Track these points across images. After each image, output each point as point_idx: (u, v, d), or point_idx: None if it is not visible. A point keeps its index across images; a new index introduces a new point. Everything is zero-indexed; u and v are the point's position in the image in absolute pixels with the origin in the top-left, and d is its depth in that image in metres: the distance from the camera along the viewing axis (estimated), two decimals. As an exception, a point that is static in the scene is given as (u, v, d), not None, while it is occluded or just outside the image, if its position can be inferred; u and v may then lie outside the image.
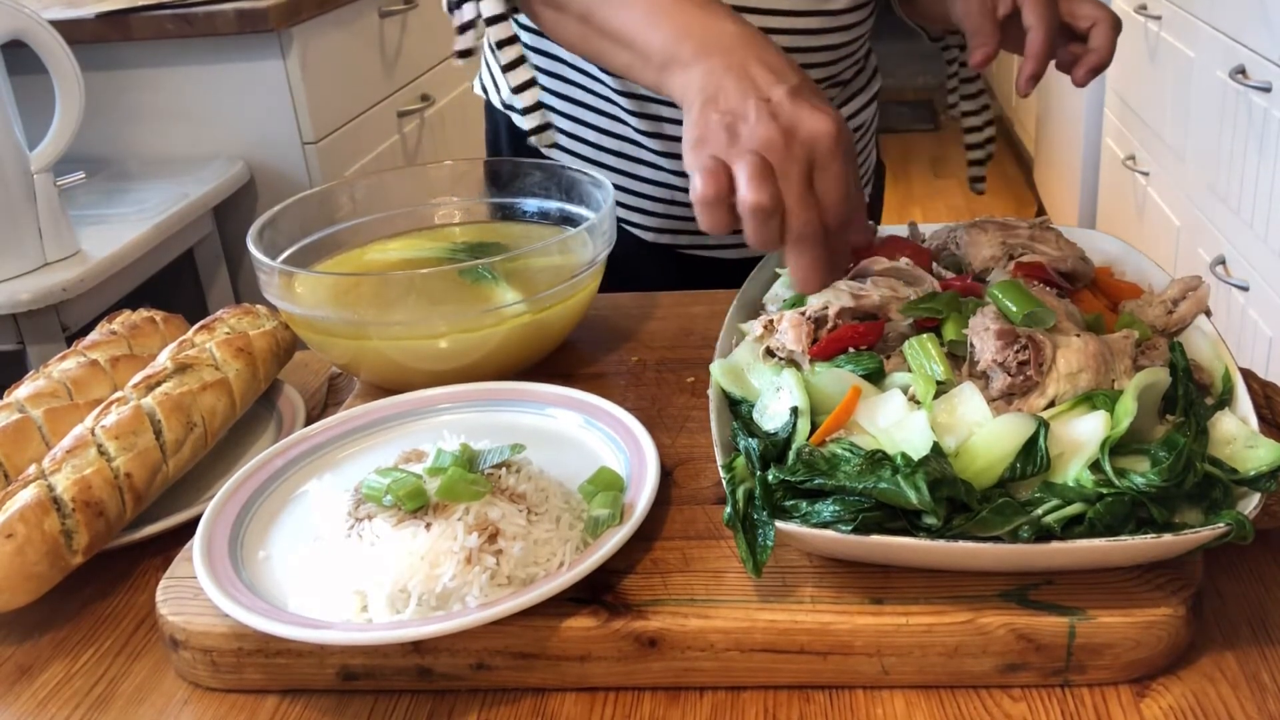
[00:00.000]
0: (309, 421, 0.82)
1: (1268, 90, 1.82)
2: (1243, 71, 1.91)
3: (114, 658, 0.64)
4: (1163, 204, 2.36)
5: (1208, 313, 0.73)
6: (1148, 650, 0.57)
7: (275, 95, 2.09)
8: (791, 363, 0.69)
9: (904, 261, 0.76)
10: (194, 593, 0.61)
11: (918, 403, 0.63)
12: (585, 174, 0.91)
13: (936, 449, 0.58)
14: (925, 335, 0.66)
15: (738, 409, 0.68)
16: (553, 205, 0.95)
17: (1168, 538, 0.55)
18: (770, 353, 0.70)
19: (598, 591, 0.60)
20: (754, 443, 0.63)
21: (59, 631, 0.66)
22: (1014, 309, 0.66)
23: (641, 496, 0.63)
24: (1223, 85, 1.99)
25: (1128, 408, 0.60)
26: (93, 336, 0.88)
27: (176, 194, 1.96)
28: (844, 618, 0.57)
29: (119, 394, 0.75)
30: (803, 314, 0.70)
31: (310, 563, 0.63)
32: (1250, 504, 0.57)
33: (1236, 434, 0.62)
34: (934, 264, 0.79)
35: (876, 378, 0.66)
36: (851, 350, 0.68)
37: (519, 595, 0.57)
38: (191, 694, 0.61)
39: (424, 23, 2.62)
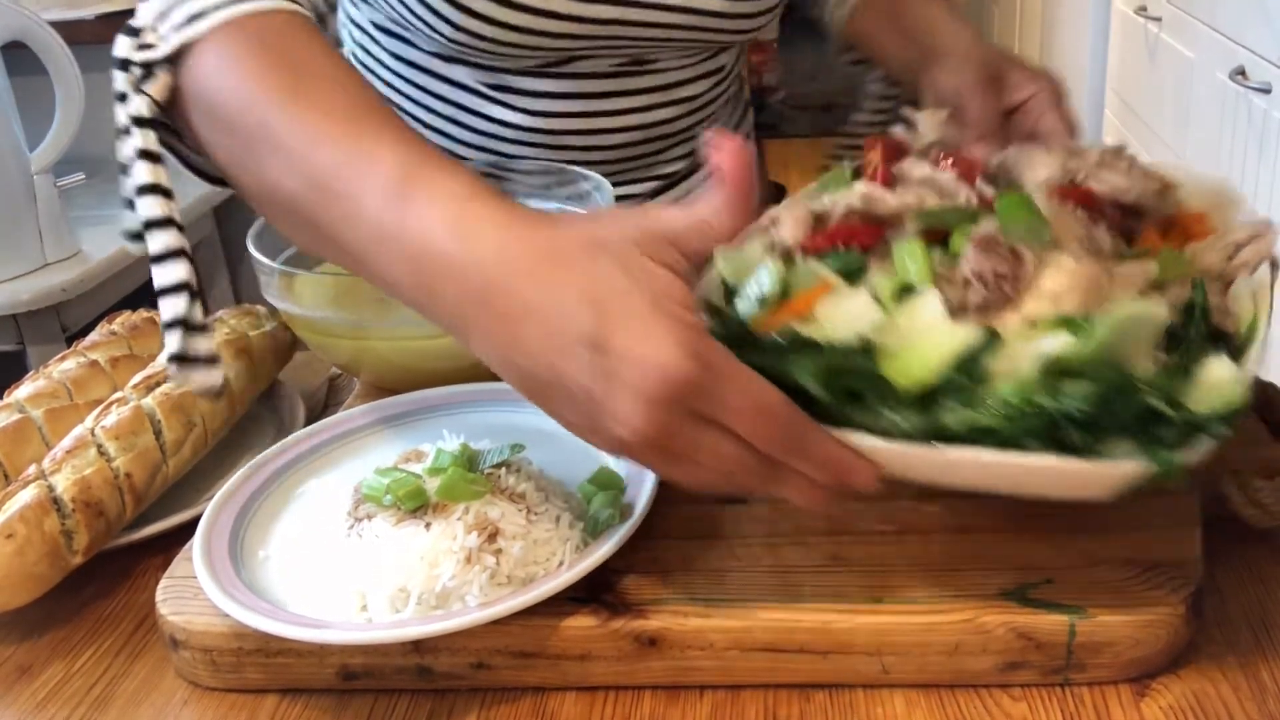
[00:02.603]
0: (309, 421, 0.82)
1: (1268, 91, 1.82)
2: (1242, 72, 1.91)
3: (114, 657, 0.64)
4: (1162, 205, 2.35)
5: (1275, 264, 0.66)
6: (1148, 649, 0.57)
7: (275, 96, 2.09)
8: (788, 256, 0.65)
9: (947, 173, 0.71)
10: (194, 592, 0.61)
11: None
12: (584, 174, 0.92)
13: (864, 342, 0.55)
14: (915, 239, 0.62)
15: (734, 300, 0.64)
16: (552, 205, 0.95)
17: (1055, 462, 0.50)
18: (774, 246, 0.66)
19: (597, 591, 0.60)
20: (717, 324, 0.58)
21: (59, 631, 0.66)
22: (1010, 221, 0.62)
23: (641, 496, 0.63)
24: (1222, 86, 1.99)
25: (1095, 334, 0.55)
26: (93, 337, 0.88)
27: (176, 194, 1.96)
28: (844, 617, 0.57)
29: (119, 394, 0.75)
30: (808, 209, 0.67)
31: (310, 562, 0.63)
32: (1198, 448, 0.51)
33: (1224, 378, 0.54)
34: (981, 181, 0.71)
35: (856, 276, 0.61)
36: (843, 249, 0.64)
37: (519, 595, 0.57)
38: (191, 694, 0.61)
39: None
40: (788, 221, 0.66)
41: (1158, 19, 2.42)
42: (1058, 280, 0.59)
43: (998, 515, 0.64)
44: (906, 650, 0.57)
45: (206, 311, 0.67)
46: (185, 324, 0.63)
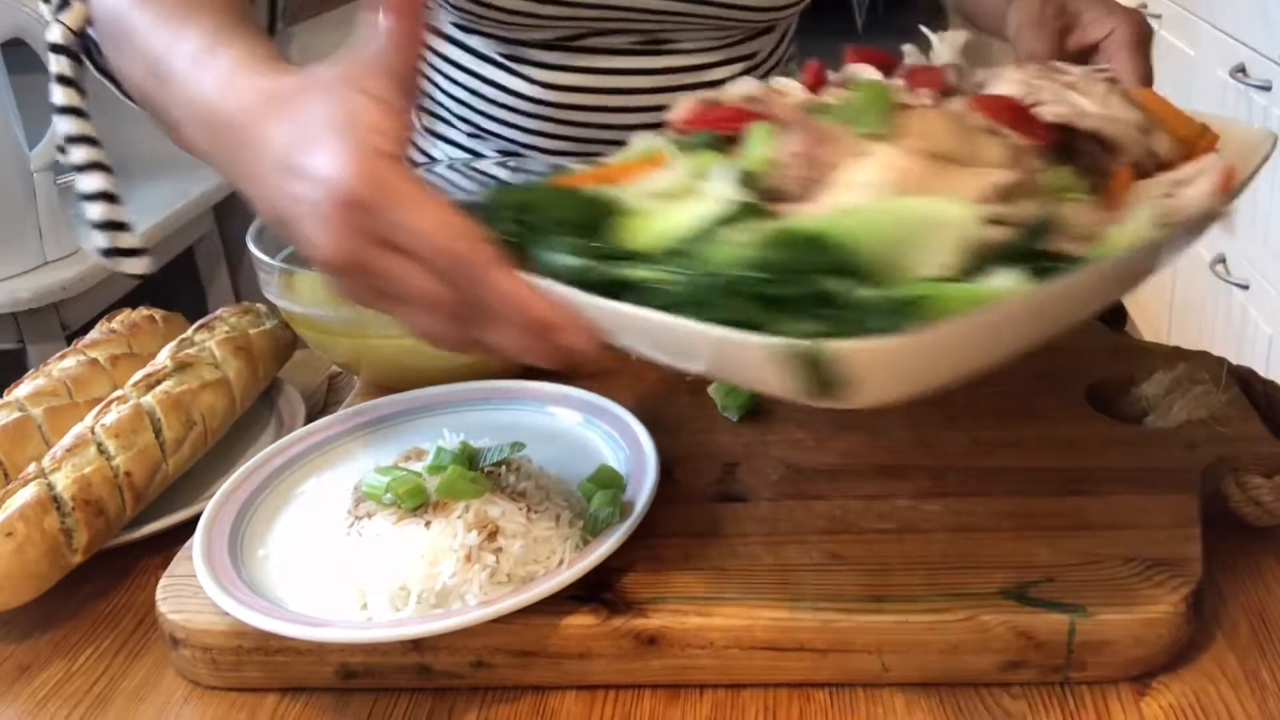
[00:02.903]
0: (309, 420, 0.82)
1: (1268, 89, 1.82)
2: (1243, 70, 1.91)
3: (114, 656, 0.64)
4: (1163, 203, 2.35)
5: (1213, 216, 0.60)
6: (1148, 648, 0.57)
7: (275, 94, 2.09)
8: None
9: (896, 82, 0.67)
10: (194, 591, 0.61)
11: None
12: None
13: (601, 202, 0.55)
14: (765, 125, 0.60)
15: None
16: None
17: (707, 329, 0.47)
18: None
19: (597, 589, 0.60)
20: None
21: (59, 630, 0.66)
22: (849, 110, 0.58)
23: (641, 494, 0.63)
24: (1223, 84, 1.99)
25: (849, 219, 0.51)
26: (92, 335, 0.88)
27: (177, 193, 1.97)
28: (844, 615, 0.57)
29: (119, 393, 0.75)
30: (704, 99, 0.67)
31: (310, 561, 0.63)
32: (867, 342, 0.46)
33: (977, 291, 0.49)
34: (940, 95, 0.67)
35: (696, 153, 0.60)
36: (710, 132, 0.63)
37: (519, 593, 0.57)
38: (191, 692, 0.61)
39: (424, 22, 2.62)
40: (680, 109, 0.66)
41: (1158, 16, 2.42)
42: (865, 171, 0.55)
43: (998, 515, 0.64)
44: (906, 649, 0.57)
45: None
46: (111, 225, 0.72)
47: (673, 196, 0.57)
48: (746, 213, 0.52)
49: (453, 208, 0.52)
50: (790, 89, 0.67)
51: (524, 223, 0.54)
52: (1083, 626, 0.56)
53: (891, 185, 0.54)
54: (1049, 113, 0.62)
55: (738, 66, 0.97)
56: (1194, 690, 0.56)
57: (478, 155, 1.03)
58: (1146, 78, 0.73)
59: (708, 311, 0.48)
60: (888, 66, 0.71)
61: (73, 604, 0.68)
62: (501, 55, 0.96)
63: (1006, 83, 0.66)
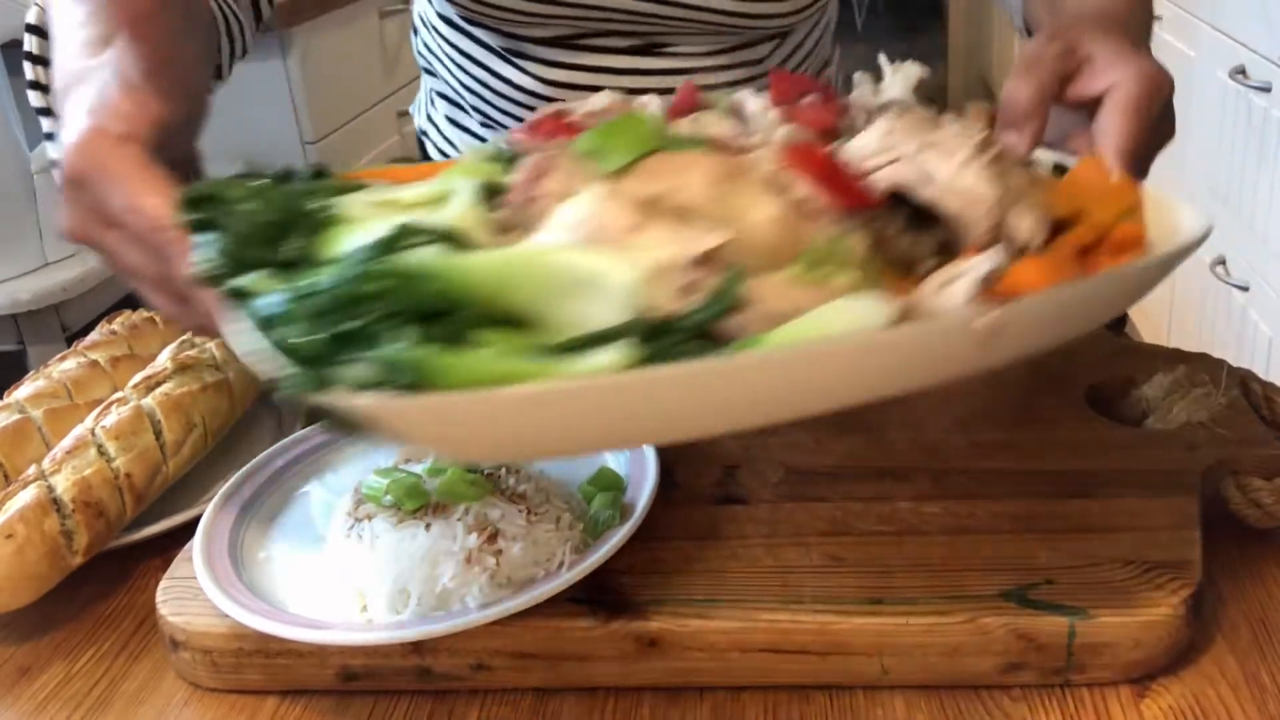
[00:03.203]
0: (309, 422, 0.82)
1: (1268, 90, 1.82)
2: (1243, 71, 1.91)
3: (114, 658, 0.64)
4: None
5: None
6: (1148, 650, 0.57)
7: (275, 95, 2.09)
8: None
9: (753, 108, 0.63)
10: (194, 593, 0.61)
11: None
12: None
13: (300, 207, 0.54)
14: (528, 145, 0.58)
15: None
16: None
17: (247, 335, 0.46)
18: None
19: (598, 592, 0.60)
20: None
21: (59, 632, 0.66)
22: (596, 142, 0.55)
23: (641, 496, 0.63)
24: (1223, 85, 1.99)
25: (464, 266, 0.47)
26: (93, 337, 0.88)
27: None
28: (844, 618, 0.57)
29: (119, 394, 0.75)
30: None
31: (310, 563, 0.63)
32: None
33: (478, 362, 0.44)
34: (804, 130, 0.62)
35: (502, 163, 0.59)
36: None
37: (519, 595, 0.57)
38: (191, 694, 0.61)
39: (424, 23, 2.62)
40: (537, 114, 0.66)
41: (1158, 17, 2.42)
42: (569, 213, 0.52)
43: (998, 517, 0.64)
44: (906, 651, 0.57)
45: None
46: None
47: (403, 208, 0.55)
48: (408, 236, 0.49)
49: (161, 191, 0.56)
50: (650, 108, 0.65)
51: (207, 215, 0.54)
52: (1083, 629, 0.56)
53: (587, 231, 0.50)
54: (882, 177, 0.57)
55: (740, 72, 0.96)
56: (1194, 692, 0.56)
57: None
58: (1127, 150, 0.61)
59: (284, 329, 0.46)
60: (801, 94, 0.66)
61: (73, 606, 0.68)
62: (504, 49, 0.96)
63: (869, 134, 0.59)
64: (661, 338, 0.46)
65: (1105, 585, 0.58)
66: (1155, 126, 0.64)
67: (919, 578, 0.60)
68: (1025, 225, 0.55)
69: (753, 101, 0.65)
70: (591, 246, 0.49)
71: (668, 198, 0.52)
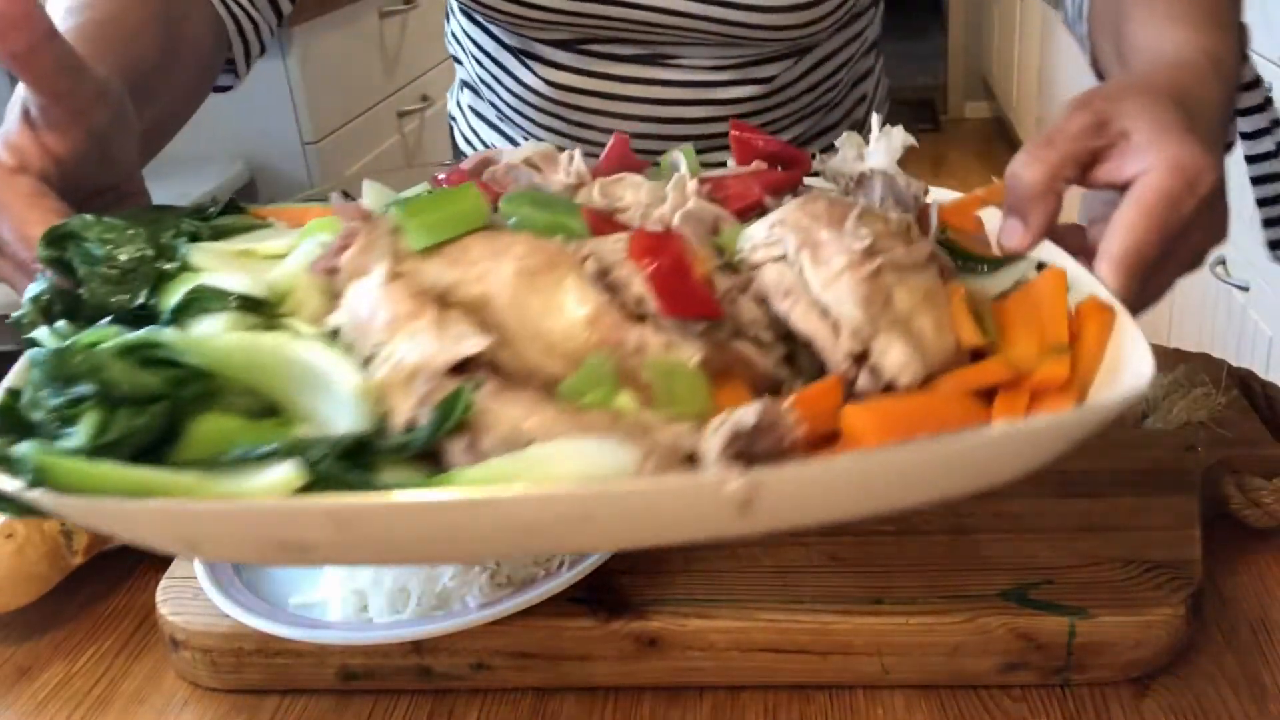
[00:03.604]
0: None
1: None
2: (1243, 71, 1.91)
3: (114, 658, 0.64)
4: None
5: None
6: (1148, 650, 0.57)
7: (275, 95, 2.09)
8: None
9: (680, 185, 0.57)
10: (194, 593, 0.61)
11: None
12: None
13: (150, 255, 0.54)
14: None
15: None
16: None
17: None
18: None
19: (597, 592, 0.60)
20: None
21: (59, 632, 0.66)
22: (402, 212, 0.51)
23: (641, 496, 0.63)
24: (1223, 85, 1.99)
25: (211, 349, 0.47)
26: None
27: (176, 194, 1.97)
28: (844, 617, 0.57)
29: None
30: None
31: (310, 563, 0.63)
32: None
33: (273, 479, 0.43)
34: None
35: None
36: None
37: (519, 595, 0.57)
38: (191, 694, 0.61)
39: (424, 23, 2.62)
40: (466, 160, 0.65)
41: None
42: (352, 295, 0.50)
43: (998, 517, 0.64)
44: (906, 651, 0.57)
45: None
46: None
47: (259, 258, 0.55)
48: (204, 300, 0.50)
49: (48, 223, 0.56)
50: (575, 162, 0.62)
51: (61, 254, 0.55)
52: (1083, 628, 0.56)
53: (358, 317, 0.48)
54: (722, 285, 0.50)
55: (750, 89, 0.94)
56: (1194, 692, 0.56)
57: (508, 139, 1.04)
58: (1128, 257, 0.52)
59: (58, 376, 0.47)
60: (764, 155, 0.63)
61: (73, 606, 0.68)
62: (515, 47, 0.96)
63: (763, 222, 0.53)
64: (355, 455, 0.43)
65: (1105, 585, 0.58)
66: (1182, 231, 0.53)
67: (919, 577, 0.60)
68: (892, 358, 0.47)
69: (684, 164, 0.61)
70: (359, 334, 0.47)
71: (463, 288, 0.48)
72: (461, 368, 0.46)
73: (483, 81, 1.03)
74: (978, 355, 0.50)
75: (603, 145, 0.96)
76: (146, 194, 0.69)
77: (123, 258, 0.54)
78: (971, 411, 0.47)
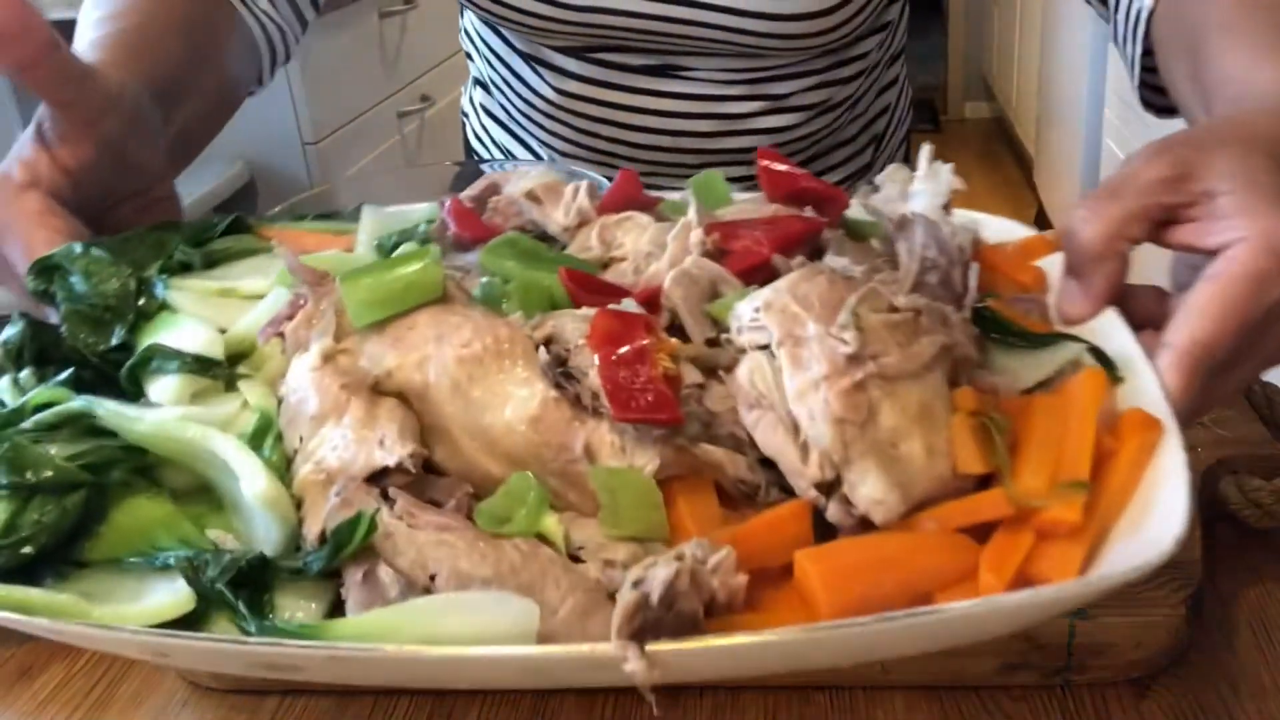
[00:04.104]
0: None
1: (1268, 90, 1.82)
2: (1243, 71, 1.91)
3: (114, 658, 0.64)
4: (1163, 204, 2.35)
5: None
6: (1148, 650, 0.57)
7: (275, 95, 2.09)
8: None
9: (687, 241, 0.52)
10: (194, 593, 0.61)
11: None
12: (583, 172, 0.91)
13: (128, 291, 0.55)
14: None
15: None
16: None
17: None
18: None
19: (598, 592, 0.60)
20: None
21: (59, 632, 0.66)
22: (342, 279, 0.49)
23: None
24: (1223, 85, 1.99)
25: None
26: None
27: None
28: (844, 618, 0.57)
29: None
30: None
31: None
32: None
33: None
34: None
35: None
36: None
37: (519, 595, 0.57)
38: (191, 694, 0.61)
39: (424, 23, 2.62)
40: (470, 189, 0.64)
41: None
42: (291, 373, 0.49)
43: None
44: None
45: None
46: None
47: (240, 298, 0.55)
48: (155, 358, 0.51)
49: (53, 243, 0.56)
50: (563, 203, 0.59)
51: (46, 286, 0.55)
52: (1083, 628, 0.56)
53: (288, 402, 0.47)
54: (690, 377, 0.45)
55: (760, 104, 0.92)
56: (1194, 692, 0.56)
57: (521, 141, 1.03)
58: (1199, 353, 0.44)
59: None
60: (793, 192, 0.57)
61: (73, 606, 0.68)
62: (525, 52, 0.95)
63: (754, 297, 0.46)
64: (251, 577, 0.43)
65: (1105, 585, 0.58)
66: (1266, 321, 0.44)
67: (919, 578, 0.59)
68: (865, 492, 0.41)
69: (693, 207, 0.54)
70: (290, 421, 0.47)
71: (401, 373, 0.46)
72: (384, 473, 0.44)
73: (493, 82, 1.02)
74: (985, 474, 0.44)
75: (610, 155, 0.96)
76: (175, 199, 0.68)
77: (106, 292, 0.54)
78: (956, 555, 0.41)
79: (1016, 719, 0.56)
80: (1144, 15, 0.68)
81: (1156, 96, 0.73)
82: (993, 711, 0.56)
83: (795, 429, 0.42)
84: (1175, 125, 0.61)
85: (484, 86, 1.06)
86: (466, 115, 1.14)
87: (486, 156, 1.09)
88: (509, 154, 1.05)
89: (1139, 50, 0.70)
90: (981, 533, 0.43)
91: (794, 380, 0.43)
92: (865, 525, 0.42)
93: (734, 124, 0.93)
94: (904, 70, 1.09)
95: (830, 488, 0.42)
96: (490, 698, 0.59)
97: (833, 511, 0.42)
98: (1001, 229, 0.60)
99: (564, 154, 0.98)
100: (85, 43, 0.69)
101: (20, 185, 0.59)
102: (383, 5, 2.43)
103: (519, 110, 1.00)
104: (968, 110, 4.94)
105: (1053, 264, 0.55)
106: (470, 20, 1.04)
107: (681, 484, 0.43)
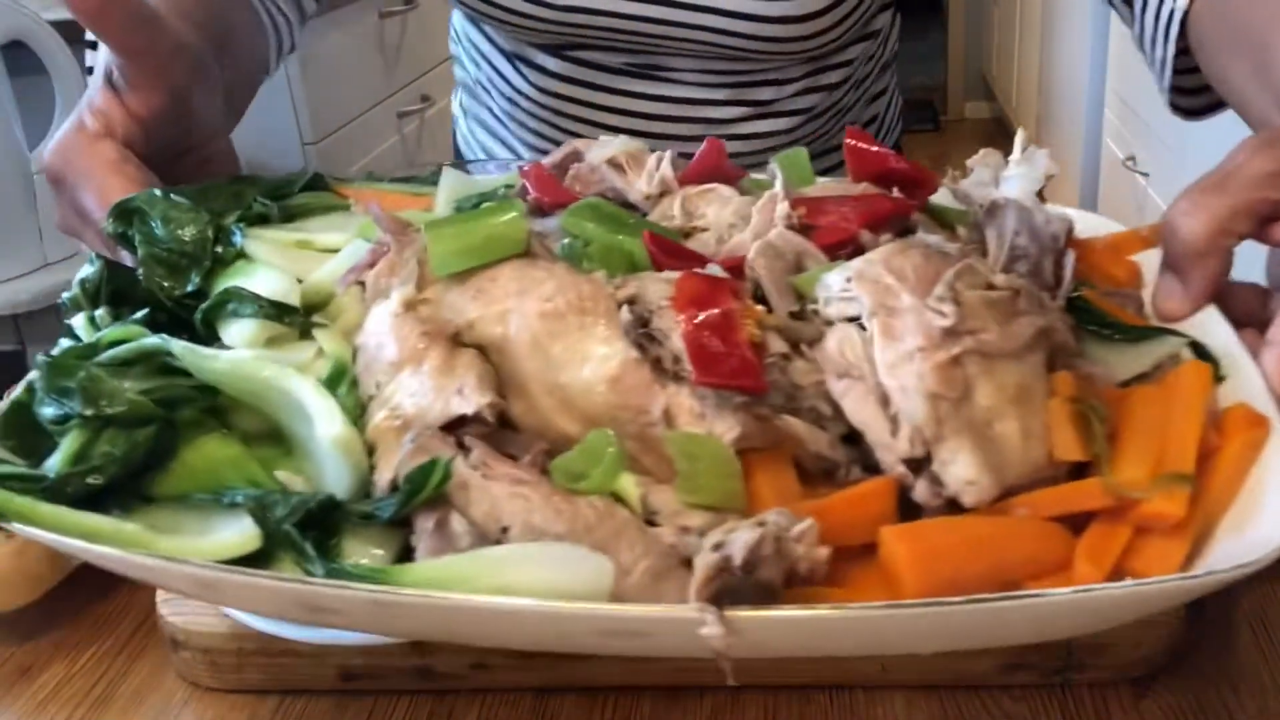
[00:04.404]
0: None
1: (1268, 90, 1.82)
2: (1243, 71, 1.91)
3: (114, 658, 0.64)
4: (1163, 204, 2.36)
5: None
6: (1148, 649, 0.56)
7: (275, 95, 2.09)
8: None
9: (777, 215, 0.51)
10: (194, 593, 0.61)
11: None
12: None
13: (202, 236, 0.55)
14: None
15: None
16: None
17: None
18: None
19: (598, 591, 0.60)
20: None
21: (59, 631, 0.66)
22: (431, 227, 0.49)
23: (641, 496, 0.63)
24: (1223, 85, 1.99)
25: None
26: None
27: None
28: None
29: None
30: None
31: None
32: None
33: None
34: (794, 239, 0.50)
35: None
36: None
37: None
38: (192, 694, 0.61)
39: (424, 23, 2.62)
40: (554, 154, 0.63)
41: (1158, 18, 2.42)
42: (371, 319, 0.48)
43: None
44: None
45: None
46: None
47: (317, 250, 0.55)
48: (230, 300, 0.51)
49: (130, 189, 0.57)
50: (646, 171, 0.58)
51: (126, 229, 0.56)
52: (1083, 628, 0.56)
53: (366, 347, 0.47)
54: (775, 346, 0.43)
55: (743, 110, 0.91)
56: (1194, 692, 0.56)
57: (505, 144, 1.03)
58: None
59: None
60: (880, 171, 0.56)
61: (73, 605, 0.68)
62: (506, 49, 0.96)
63: (843, 269, 0.44)
64: (318, 519, 0.42)
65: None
66: None
67: (919, 577, 0.59)
68: (956, 471, 0.39)
69: (780, 179, 0.54)
70: (366, 366, 0.45)
71: (482, 325, 0.45)
72: (461, 422, 0.43)
73: (478, 83, 1.02)
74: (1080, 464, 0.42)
75: None
76: (234, 154, 0.68)
77: (184, 238, 0.54)
78: (1048, 544, 0.40)
79: (1016, 718, 0.56)
80: (1178, 16, 0.67)
81: (1186, 99, 0.72)
82: (993, 711, 0.56)
83: (885, 401, 0.41)
84: (1191, 127, 0.59)
85: (469, 91, 1.06)
86: (456, 119, 1.14)
87: (472, 158, 1.09)
88: (493, 157, 1.05)
89: (1171, 52, 0.68)
90: (1075, 523, 0.41)
91: (886, 352, 0.41)
92: (953, 507, 0.40)
93: (718, 129, 0.92)
94: (894, 80, 1.08)
95: (919, 465, 0.41)
96: (490, 697, 0.59)
97: (920, 490, 0.41)
98: (1093, 224, 0.58)
99: (547, 153, 0.98)
100: None
101: (95, 133, 0.59)
102: (383, 5, 2.43)
103: (503, 110, 1.00)
104: (968, 110, 4.93)
105: (1149, 259, 0.53)
106: (457, 20, 1.03)
107: (759, 456, 0.42)
